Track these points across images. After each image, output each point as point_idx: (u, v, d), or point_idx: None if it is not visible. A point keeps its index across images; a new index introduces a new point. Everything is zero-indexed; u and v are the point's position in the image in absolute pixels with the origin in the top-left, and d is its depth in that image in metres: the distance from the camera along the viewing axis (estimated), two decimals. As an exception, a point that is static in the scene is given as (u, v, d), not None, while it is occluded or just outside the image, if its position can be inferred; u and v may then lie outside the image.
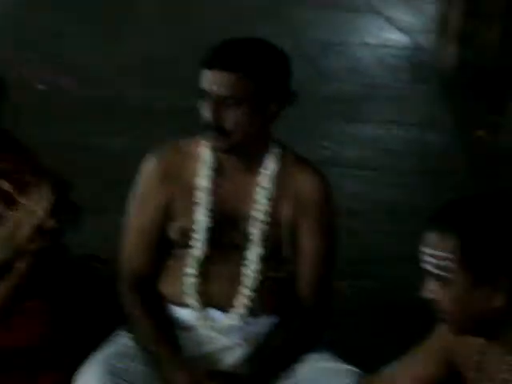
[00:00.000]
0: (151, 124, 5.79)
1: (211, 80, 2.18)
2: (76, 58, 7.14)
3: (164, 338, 2.22)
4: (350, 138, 6.05)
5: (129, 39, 7.79)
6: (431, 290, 1.87)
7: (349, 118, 6.49)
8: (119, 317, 2.31)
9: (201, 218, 2.27)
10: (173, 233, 2.32)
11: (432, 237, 1.86)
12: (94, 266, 2.67)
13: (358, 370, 2.28)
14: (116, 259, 2.50)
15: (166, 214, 2.31)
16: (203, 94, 2.21)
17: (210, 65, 2.19)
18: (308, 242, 2.34)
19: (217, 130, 2.21)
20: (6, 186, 2.35)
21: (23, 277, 2.34)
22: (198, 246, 2.28)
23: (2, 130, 2.39)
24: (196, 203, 2.29)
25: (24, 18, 8.01)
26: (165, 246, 2.33)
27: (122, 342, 2.27)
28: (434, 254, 1.84)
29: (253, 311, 2.30)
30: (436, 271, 1.84)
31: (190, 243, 2.29)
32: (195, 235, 2.28)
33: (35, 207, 2.35)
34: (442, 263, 1.83)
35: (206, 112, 2.21)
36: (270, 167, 2.32)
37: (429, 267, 1.87)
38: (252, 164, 2.31)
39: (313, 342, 2.34)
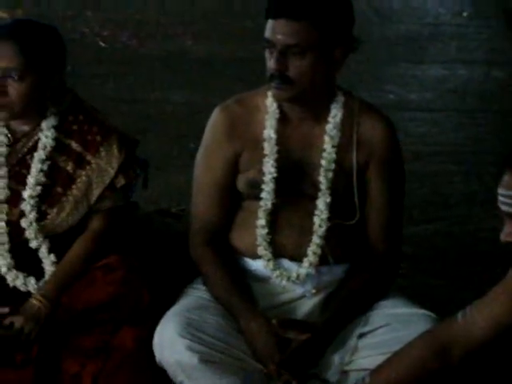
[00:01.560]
0: (211, 76, 5.80)
1: (276, 29, 2.18)
2: (135, 14, 7.18)
3: (238, 289, 2.26)
4: (414, 80, 5.97)
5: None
6: (509, 233, 1.84)
7: (411, 60, 6.39)
8: (193, 270, 2.35)
9: (269, 169, 2.28)
10: (242, 185, 2.33)
11: (508, 178, 1.83)
12: (165, 221, 2.71)
13: (433, 314, 2.28)
14: (186, 214, 2.53)
15: (235, 167, 2.32)
16: (267, 44, 2.21)
17: (274, 14, 2.19)
18: (376, 188, 2.33)
19: (281, 79, 2.20)
20: (76, 146, 2.40)
21: (99, 234, 2.39)
22: (267, 196, 2.29)
23: (67, 90, 2.42)
24: (263, 154, 2.30)
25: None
26: (234, 199, 2.36)
27: (197, 294, 2.30)
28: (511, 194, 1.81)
29: (324, 259, 2.32)
30: None
31: (259, 194, 2.30)
32: (264, 186, 2.29)
33: (105, 166, 2.39)
34: None
35: (270, 62, 2.21)
36: (336, 115, 2.31)
37: (505, 208, 1.85)
38: (318, 112, 2.31)
39: (385, 287, 2.34)
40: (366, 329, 2.27)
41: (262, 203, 2.31)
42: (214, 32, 6.87)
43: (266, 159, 2.30)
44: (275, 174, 2.29)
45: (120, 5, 7.36)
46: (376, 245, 2.36)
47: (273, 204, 2.30)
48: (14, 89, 2.27)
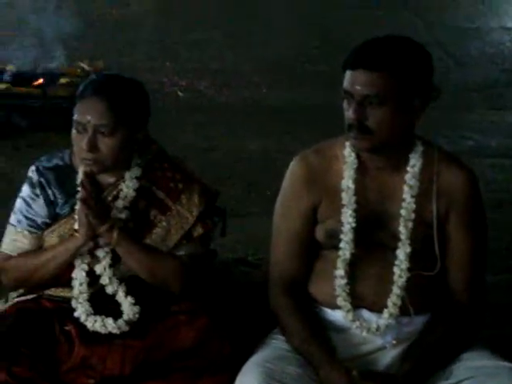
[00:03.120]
0: (287, 124, 5.83)
1: (354, 80, 2.19)
2: (212, 63, 7.29)
3: (317, 339, 2.23)
4: (492, 126, 5.88)
5: (260, 41, 7.87)
6: None
7: (490, 106, 6.31)
8: (271, 320, 2.34)
9: (347, 219, 2.27)
10: (320, 235, 2.32)
11: None
12: (243, 270, 2.72)
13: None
14: (264, 262, 2.53)
15: (313, 217, 2.32)
16: (345, 95, 2.21)
17: (353, 65, 2.20)
18: (458, 238, 2.30)
19: (360, 130, 2.20)
20: (160, 194, 2.44)
21: (180, 263, 2.39)
22: (346, 247, 2.28)
23: (152, 141, 2.47)
24: (342, 204, 2.29)
25: (161, 29, 8.25)
26: (313, 248, 2.34)
27: (276, 345, 2.29)
28: None
29: (404, 310, 2.28)
30: None
31: (338, 244, 2.29)
32: (342, 236, 2.28)
33: (186, 213, 2.42)
34: None
35: (349, 112, 2.21)
36: (415, 164, 2.29)
37: None
38: (396, 162, 2.29)
39: (468, 339, 2.29)
40: (450, 382, 2.22)
41: (340, 253, 2.29)
42: (288, 79, 6.92)
43: (344, 209, 2.28)
44: (354, 225, 2.27)
45: (197, 55, 7.50)
46: (458, 295, 2.31)
47: (351, 254, 2.28)
48: (105, 144, 2.32)
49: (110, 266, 2.37)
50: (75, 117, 2.32)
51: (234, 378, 2.20)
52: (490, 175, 4.89)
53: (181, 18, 8.62)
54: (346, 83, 2.21)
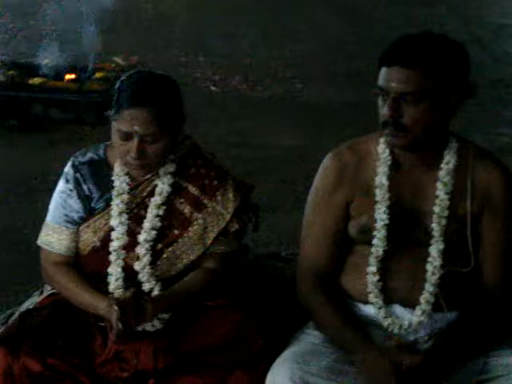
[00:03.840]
0: (320, 120, 5.83)
1: (390, 77, 2.18)
2: (245, 58, 7.30)
3: (351, 325, 2.24)
4: (529, 123, 5.83)
5: (294, 37, 7.86)
6: None
7: (526, 102, 6.24)
8: (303, 315, 2.34)
9: (381, 216, 2.27)
10: (353, 231, 2.32)
11: None
12: (276, 265, 2.72)
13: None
14: (295, 258, 2.53)
15: (346, 213, 2.31)
16: (380, 92, 2.21)
17: (388, 62, 2.19)
18: (492, 236, 2.29)
19: (395, 127, 2.20)
20: (194, 190, 2.45)
21: (212, 273, 2.41)
22: (379, 243, 2.27)
23: (186, 137, 2.48)
24: (375, 201, 2.28)
25: (195, 24, 8.28)
26: (345, 244, 2.35)
27: (308, 339, 2.30)
28: None
29: (437, 306, 2.28)
30: None
31: (371, 240, 2.29)
32: (376, 233, 2.28)
33: (221, 210, 2.43)
34: None
35: (384, 109, 2.20)
36: (449, 161, 2.28)
37: None
38: (431, 159, 2.28)
39: (501, 335, 2.28)
40: (484, 377, 2.22)
41: (373, 250, 2.29)
42: (322, 74, 6.91)
43: (377, 206, 2.28)
44: (387, 222, 2.27)
45: (230, 50, 7.51)
46: (491, 290, 2.31)
47: (384, 251, 2.28)
48: (152, 150, 2.34)
49: (151, 262, 2.38)
50: (119, 126, 2.33)
51: (266, 374, 2.20)
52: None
53: (215, 13, 8.65)
54: (381, 80, 2.21)
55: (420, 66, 2.16)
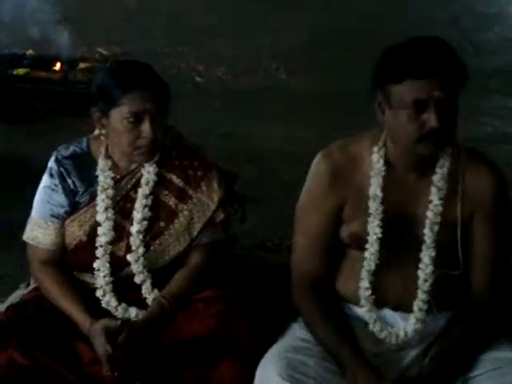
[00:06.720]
0: (305, 110, 5.83)
1: (430, 88, 2.13)
2: (230, 49, 7.29)
3: (344, 338, 2.22)
4: (510, 113, 5.86)
5: (275, 28, 7.85)
6: None
7: (508, 92, 6.28)
8: (291, 308, 2.34)
9: (374, 230, 2.24)
10: (345, 235, 2.29)
11: None
12: (263, 255, 2.72)
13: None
14: (284, 247, 2.53)
15: (338, 216, 2.28)
16: (415, 105, 2.14)
17: (423, 75, 2.14)
18: (481, 239, 2.27)
19: (441, 137, 2.17)
20: (178, 181, 2.44)
21: (199, 269, 2.42)
22: (371, 249, 2.25)
23: (169, 127, 2.47)
24: (368, 207, 2.25)
25: (176, 14, 8.25)
26: (337, 247, 2.31)
27: (297, 335, 2.28)
28: None
29: (428, 311, 2.26)
30: None
31: (363, 245, 2.26)
32: (368, 246, 2.25)
33: (206, 200, 2.43)
34: None
35: (431, 121, 2.14)
36: (444, 165, 2.26)
37: None
38: (425, 163, 2.25)
39: (489, 337, 2.26)
40: (474, 373, 2.22)
41: (366, 255, 2.28)
42: (306, 65, 6.91)
43: (371, 219, 2.24)
44: (380, 235, 2.24)
45: (212, 41, 7.50)
46: (480, 295, 2.29)
47: (376, 256, 2.25)
48: (159, 129, 2.34)
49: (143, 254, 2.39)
50: (130, 108, 2.31)
51: (255, 364, 2.20)
52: (507, 162, 4.88)
53: (195, 2, 8.62)
54: (416, 93, 2.14)
55: (451, 72, 2.16)
